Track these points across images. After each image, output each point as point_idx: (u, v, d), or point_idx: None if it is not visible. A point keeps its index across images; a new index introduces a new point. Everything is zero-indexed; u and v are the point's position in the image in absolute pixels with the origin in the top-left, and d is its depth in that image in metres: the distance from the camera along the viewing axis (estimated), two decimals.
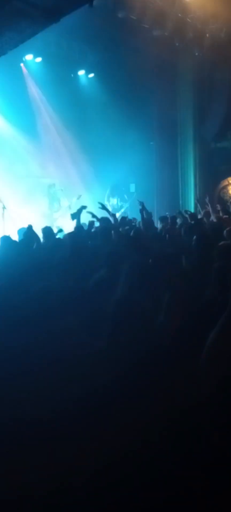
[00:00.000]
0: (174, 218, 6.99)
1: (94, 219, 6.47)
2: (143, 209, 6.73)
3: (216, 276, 3.03)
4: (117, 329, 2.02)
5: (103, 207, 6.83)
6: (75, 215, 6.46)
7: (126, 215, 9.75)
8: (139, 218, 7.02)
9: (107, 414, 1.80)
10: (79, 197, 10.65)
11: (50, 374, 1.93)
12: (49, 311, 2.34)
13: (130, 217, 8.71)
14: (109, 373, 1.90)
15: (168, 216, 7.47)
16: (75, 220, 6.39)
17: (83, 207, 6.51)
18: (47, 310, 2.35)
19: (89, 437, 1.76)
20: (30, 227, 5.58)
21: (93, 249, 4.43)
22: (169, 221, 6.85)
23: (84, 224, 6.69)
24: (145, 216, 6.74)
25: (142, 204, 6.82)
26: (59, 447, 1.76)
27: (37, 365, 1.99)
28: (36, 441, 1.76)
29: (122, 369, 1.89)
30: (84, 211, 6.44)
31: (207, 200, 7.29)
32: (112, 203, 12.57)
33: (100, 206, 6.83)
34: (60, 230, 6.47)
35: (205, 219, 6.67)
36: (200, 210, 7.55)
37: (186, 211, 7.58)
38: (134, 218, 7.77)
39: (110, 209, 7.23)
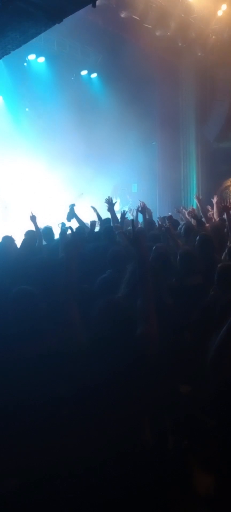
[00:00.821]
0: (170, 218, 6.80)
1: (96, 219, 6.36)
2: (144, 209, 6.59)
3: (220, 276, 3.04)
4: (103, 329, 1.95)
5: (110, 203, 6.25)
6: (70, 216, 6.37)
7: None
8: (139, 218, 6.83)
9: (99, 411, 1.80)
10: (81, 194, 10.62)
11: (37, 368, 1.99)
12: (26, 313, 2.36)
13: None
14: (94, 371, 1.87)
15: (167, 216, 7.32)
16: (74, 221, 6.31)
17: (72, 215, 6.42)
18: (23, 312, 2.37)
19: (85, 428, 1.78)
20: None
21: (94, 250, 4.39)
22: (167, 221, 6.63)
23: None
24: (147, 216, 6.64)
25: (142, 203, 6.67)
26: (55, 434, 1.80)
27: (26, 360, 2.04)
28: (33, 431, 1.81)
29: (106, 369, 1.86)
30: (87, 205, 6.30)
31: (214, 201, 7.17)
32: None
33: (106, 201, 6.31)
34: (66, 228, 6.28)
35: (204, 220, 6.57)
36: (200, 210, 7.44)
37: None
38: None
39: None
